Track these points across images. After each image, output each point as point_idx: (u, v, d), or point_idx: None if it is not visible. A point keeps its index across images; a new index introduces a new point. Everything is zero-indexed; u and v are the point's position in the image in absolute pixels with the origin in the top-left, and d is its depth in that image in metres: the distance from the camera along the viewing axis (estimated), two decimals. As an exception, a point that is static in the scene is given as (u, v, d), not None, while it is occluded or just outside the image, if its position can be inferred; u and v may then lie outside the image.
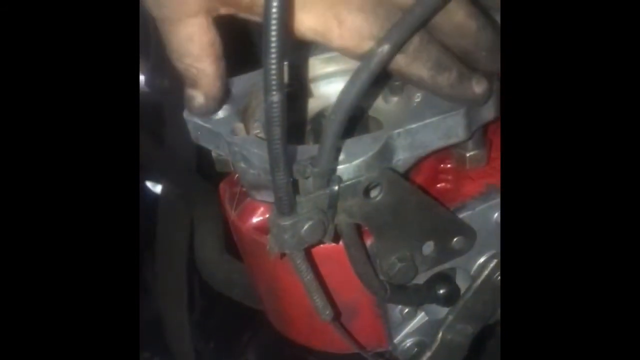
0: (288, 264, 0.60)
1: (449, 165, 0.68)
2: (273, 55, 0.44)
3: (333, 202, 0.53)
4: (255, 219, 0.67)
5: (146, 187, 1.86)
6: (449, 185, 0.66)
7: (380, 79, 0.67)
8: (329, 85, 0.75)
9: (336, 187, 0.53)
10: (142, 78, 1.51)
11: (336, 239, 0.57)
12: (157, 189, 1.81)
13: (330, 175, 0.53)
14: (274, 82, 0.45)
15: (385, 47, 0.49)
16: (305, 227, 0.52)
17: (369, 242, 0.61)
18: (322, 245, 0.62)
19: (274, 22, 0.43)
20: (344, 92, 0.51)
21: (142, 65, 1.51)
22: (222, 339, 1.45)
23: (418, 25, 0.51)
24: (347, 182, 0.53)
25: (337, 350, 0.72)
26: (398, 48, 0.50)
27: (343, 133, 0.52)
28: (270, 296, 0.72)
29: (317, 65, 0.75)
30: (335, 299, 0.64)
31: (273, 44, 0.44)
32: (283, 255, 0.54)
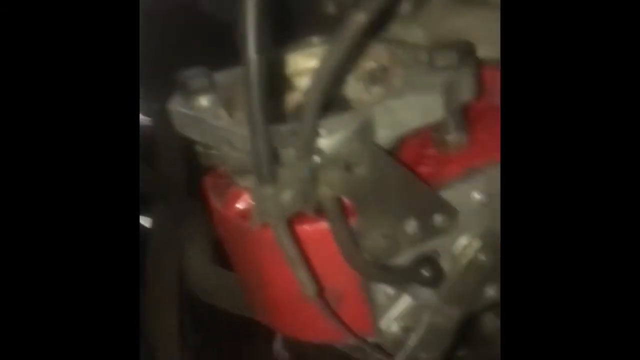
0: (273, 249, 0.60)
1: (430, 151, 0.69)
2: (251, 11, 0.45)
3: (314, 174, 0.53)
4: (240, 206, 0.67)
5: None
6: (430, 169, 0.66)
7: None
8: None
9: (317, 159, 0.53)
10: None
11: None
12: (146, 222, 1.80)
13: (311, 146, 0.54)
14: (253, 40, 0.45)
15: (362, 16, 0.50)
16: (287, 195, 0.52)
17: (353, 221, 0.61)
18: (306, 226, 0.62)
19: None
20: (323, 60, 0.52)
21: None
22: None
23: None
24: (329, 154, 0.54)
25: (326, 340, 0.71)
26: (375, 16, 0.51)
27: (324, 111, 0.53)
28: (255, 286, 0.71)
29: (299, 60, 0.77)
30: (321, 284, 0.64)
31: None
32: (265, 226, 0.54)
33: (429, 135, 0.69)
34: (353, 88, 0.74)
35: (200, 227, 1.29)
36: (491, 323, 1.03)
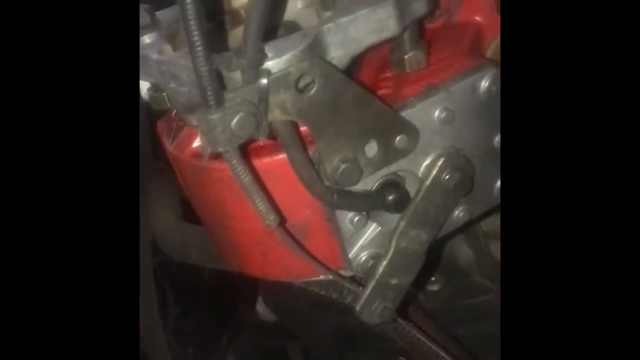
0: (231, 184, 0.58)
1: (388, 74, 0.66)
2: None
3: (263, 96, 0.51)
4: (194, 145, 0.64)
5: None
6: (389, 91, 0.64)
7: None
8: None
9: (265, 80, 0.51)
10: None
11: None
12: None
13: (258, 68, 0.51)
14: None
15: None
16: (235, 120, 0.49)
17: (311, 150, 0.59)
18: (265, 159, 0.60)
19: None
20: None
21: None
22: (201, 343, 1.41)
23: None
24: (277, 74, 0.51)
25: (294, 277, 0.69)
26: None
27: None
28: (219, 229, 0.69)
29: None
30: (286, 219, 0.62)
31: None
32: (217, 156, 0.52)
33: (387, 58, 0.67)
34: (305, 15, 0.71)
35: (166, 186, 1.26)
36: (466, 255, 1.03)
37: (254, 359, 1.42)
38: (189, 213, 0.91)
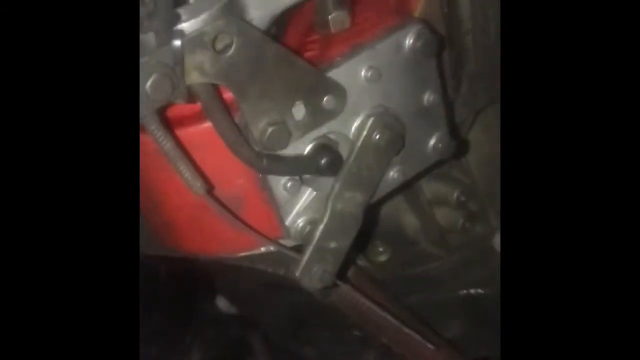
0: (158, 159, 0.56)
1: (314, 37, 0.66)
2: None
3: (178, 57, 0.49)
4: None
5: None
6: (315, 53, 0.63)
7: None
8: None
9: (179, 41, 0.49)
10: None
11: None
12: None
13: (171, 29, 0.49)
14: None
15: None
16: (149, 82, 0.47)
17: (237, 117, 0.57)
18: (190, 129, 0.58)
19: None
20: None
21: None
22: (165, 342, 1.39)
23: None
24: (191, 34, 0.50)
25: (233, 251, 0.68)
26: None
27: None
28: (153, 209, 0.67)
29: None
30: (219, 192, 0.60)
31: None
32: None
33: (312, 21, 0.66)
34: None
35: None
36: (412, 224, 1.03)
37: (218, 352, 1.41)
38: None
